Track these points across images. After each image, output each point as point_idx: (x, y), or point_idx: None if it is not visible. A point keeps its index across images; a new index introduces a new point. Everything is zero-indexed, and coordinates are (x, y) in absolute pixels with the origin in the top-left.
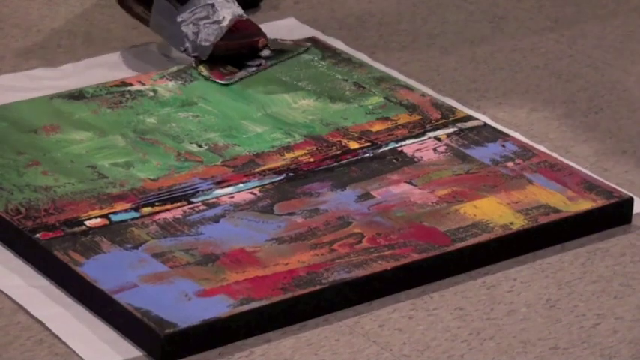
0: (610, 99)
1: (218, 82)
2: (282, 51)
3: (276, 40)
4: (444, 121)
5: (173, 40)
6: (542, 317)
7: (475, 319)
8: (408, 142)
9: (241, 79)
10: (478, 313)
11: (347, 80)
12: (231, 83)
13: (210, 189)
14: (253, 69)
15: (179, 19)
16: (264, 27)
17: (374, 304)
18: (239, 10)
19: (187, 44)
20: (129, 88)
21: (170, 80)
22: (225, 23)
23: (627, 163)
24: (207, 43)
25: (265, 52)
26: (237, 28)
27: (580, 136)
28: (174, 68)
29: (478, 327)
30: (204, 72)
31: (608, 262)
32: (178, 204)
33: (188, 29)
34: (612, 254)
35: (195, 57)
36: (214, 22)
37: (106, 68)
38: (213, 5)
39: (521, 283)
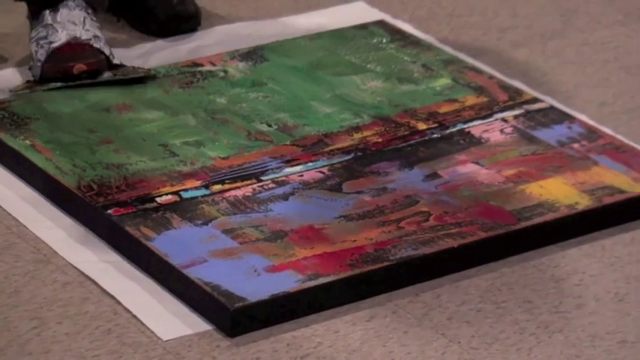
0: None
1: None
2: (122, 74)
3: (127, 67)
4: (510, 102)
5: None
6: (611, 311)
7: (543, 312)
8: (475, 123)
9: (50, 90)
10: (547, 307)
11: (415, 62)
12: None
13: (280, 167)
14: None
15: (32, 35)
16: (333, 10)
17: (442, 297)
18: (79, 33)
19: (32, 62)
20: (200, 68)
21: (240, 61)
22: (54, 45)
23: None
24: (39, 64)
25: (106, 75)
26: (66, 50)
27: None
28: (245, 49)
29: (546, 320)
30: (20, 89)
31: None
32: (248, 182)
33: (32, 47)
34: None
35: (33, 79)
36: (49, 43)
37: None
38: (53, 26)
39: (590, 276)
